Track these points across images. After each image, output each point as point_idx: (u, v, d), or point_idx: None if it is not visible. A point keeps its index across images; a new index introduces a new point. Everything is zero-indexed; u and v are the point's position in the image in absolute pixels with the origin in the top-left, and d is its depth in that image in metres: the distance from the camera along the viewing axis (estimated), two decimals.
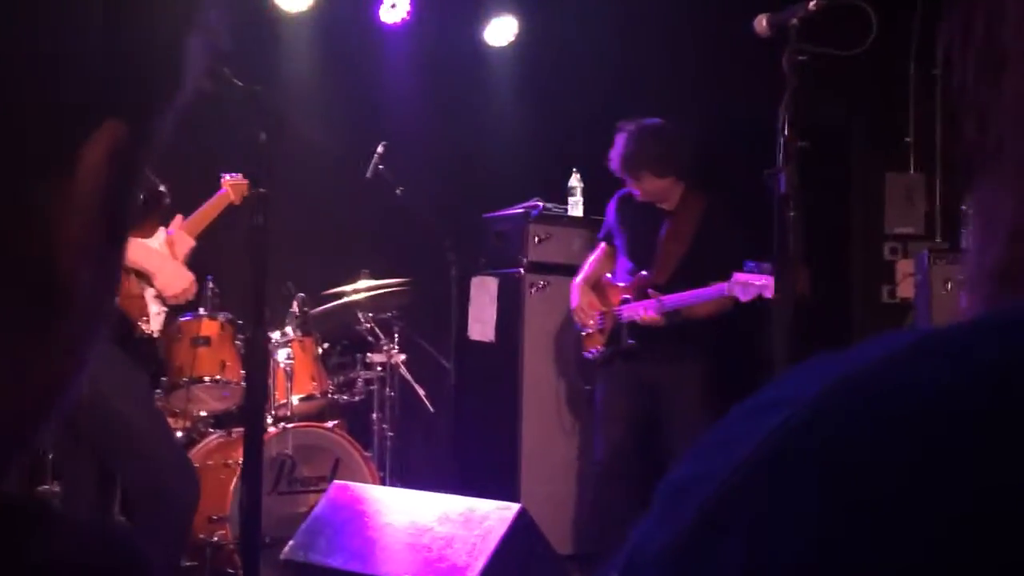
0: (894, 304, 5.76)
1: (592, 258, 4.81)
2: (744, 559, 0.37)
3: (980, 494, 0.35)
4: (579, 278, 4.79)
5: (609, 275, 4.69)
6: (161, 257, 3.66)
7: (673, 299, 4.33)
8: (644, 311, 4.39)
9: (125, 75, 0.40)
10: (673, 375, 4.41)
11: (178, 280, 3.64)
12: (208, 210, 4.04)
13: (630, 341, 4.49)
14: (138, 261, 3.57)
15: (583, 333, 4.72)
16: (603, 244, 4.78)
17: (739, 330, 4.46)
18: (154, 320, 3.63)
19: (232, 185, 4.11)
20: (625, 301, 4.53)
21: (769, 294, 3.94)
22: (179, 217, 3.88)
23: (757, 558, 0.37)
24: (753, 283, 4.02)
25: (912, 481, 0.36)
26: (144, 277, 3.60)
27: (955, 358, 0.38)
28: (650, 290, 4.42)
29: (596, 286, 4.72)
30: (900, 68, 5.57)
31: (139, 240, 3.62)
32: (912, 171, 5.75)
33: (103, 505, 3.63)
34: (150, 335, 3.63)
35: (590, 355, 4.66)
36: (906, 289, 5.57)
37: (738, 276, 4.06)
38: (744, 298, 4.05)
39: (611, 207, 4.72)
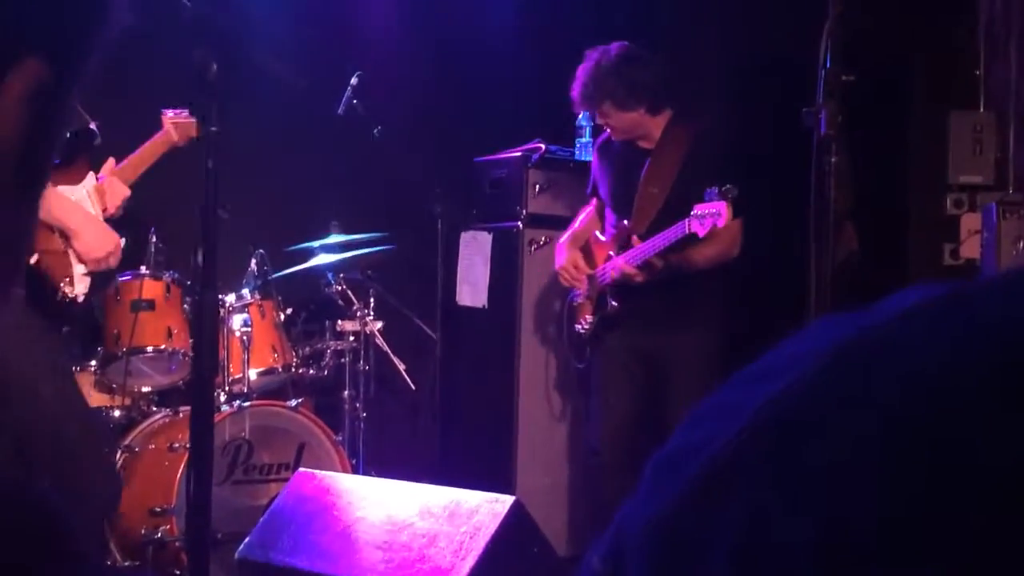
0: (957, 266, 5.76)
1: (582, 216, 4.87)
2: (741, 532, 0.40)
3: (993, 464, 0.38)
4: (565, 236, 4.84)
5: (598, 233, 4.74)
6: (84, 214, 3.64)
7: (636, 251, 4.37)
8: (612, 270, 4.46)
9: (45, 10, 0.42)
10: (673, 344, 4.44)
11: (101, 242, 3.61)
12: (146, 153, 3.99)
13: (613, 303, 4.53)
14: (59, 217, 3.56)
15: (574, 303, 4.77)
16: (592, 199, 4.84)
17: (772, 297, 4.49)
18: (79, 282, 3.62)
19: (176, 123, 4.04)
20: (609, 258, 4.58)
21: (722, 223, 4.02)
22: (111, 161, 3.86)
23: (756, 532, 0.40)
24: (708, 212, 4.07)
25: (923, 452, 0.39)
26: (64, 235, 3.59)
27: (972, 319, 0.41)
28: (611, 253, 4.47)
29: (585, 247, 4.76)
30: None
31: (60, 192, 3.60)
32: (981, 109, 5.73)
33: None
34: (73, 298, 3.62)
35: (581, 328, 4.71)
36: (971, 248, 5.57)
37: (697, 207, 4.12)
38: (701, 232, 4.10)
39: (593, 156, 4.81)
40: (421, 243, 5.08)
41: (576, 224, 4.85)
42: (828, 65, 2.74)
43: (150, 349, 4.27)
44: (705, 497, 0.42)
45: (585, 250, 4.74)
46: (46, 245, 3.54)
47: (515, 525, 3.35)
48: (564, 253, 4.76)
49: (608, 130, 4.62)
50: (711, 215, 4.06)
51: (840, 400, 0.41)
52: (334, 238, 4.92)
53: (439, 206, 4.93)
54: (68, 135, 3.45)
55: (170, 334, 4.30)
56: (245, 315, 4.51)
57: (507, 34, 6.09)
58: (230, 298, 4.50)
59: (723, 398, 0.45)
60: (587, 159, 5.42)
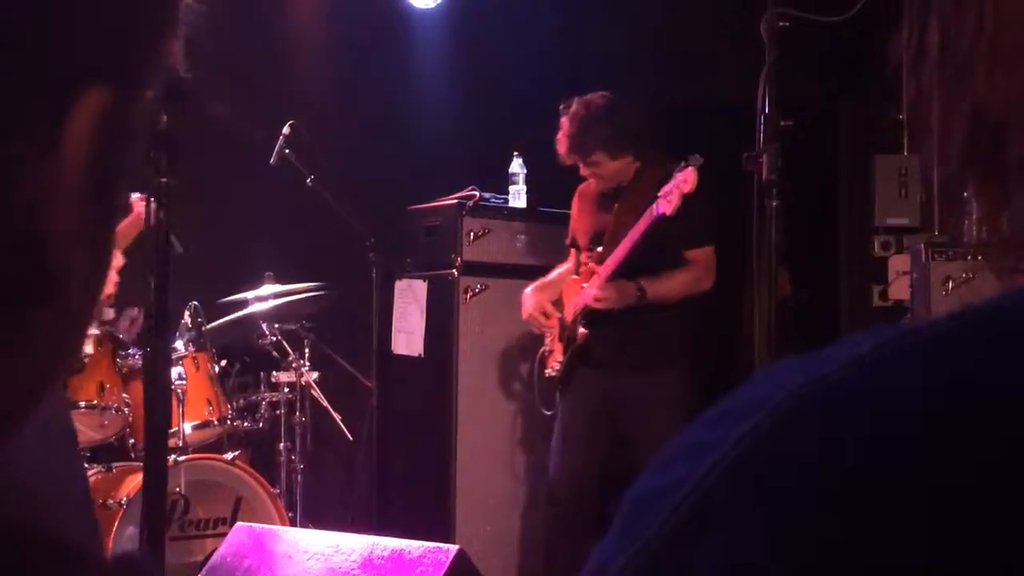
0: (886, 307, 5.88)
1: (559, 268, 4.85)
2: (721, 564, 0.43)
3: (932, 503, 0.41)
4: (531, 286, 4.81)
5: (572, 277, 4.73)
6: None
7: (612, 258, 4.36)
8: (587, 295, 4.45)
9: (107, 31, 0.43)
10: (644, 387, 4.39)
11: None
12: (131, 226, 3.85)
13: (582, 331, 4.49)
14: None
15: (546, 351, 4.76)
16: (571, 252, 4.79)
17: (716, 335, 4.55)
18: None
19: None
20: (581, 290, 4.56)
21: (688, 188, 4.06)
22: None
23: (735, 562, 0.43)
24: (672, 186, 4.12)
25: (868, 488, 0.42)
26: None
27: (923, 366, 0.44)
28: (583, 285, 4.47)
29: (558, 296, 4.75)
30: (892, 35, 5.70)
31: None
32: (905, 152, 5.87)
33: None
34: None
35: (551, 372, 4.68)
36: (900, 290, 5.68)
37: (662, 188, 4.17)
38: (669, 210, 4.13)
39: (573, 204, 4.78)
40: (356, 292, 5.08)
41: (547, 276, 4.84)
42: (767, 111, 2.81)
43: (83, 404, 4.23)
44: (681, 537, 0.44)
45: (558, 298, 4.73)
46: None
47: (458, 574, 3.34)
48: (530, 299, 4.75)
49: (592, 177, 4.60)
50: (675, 185, 4.10)
51: (797, 442, 0.44)
52: (268, 288, 4.91)
53: (374, 255, 4.94)
54: None
55: (102, 389, 4.26)
56: (179, 368, 4.47)
57: (440, 81, 6.14)
58: None
59: (695, 436, 0.47)
60: (520, 205, 5.47)
